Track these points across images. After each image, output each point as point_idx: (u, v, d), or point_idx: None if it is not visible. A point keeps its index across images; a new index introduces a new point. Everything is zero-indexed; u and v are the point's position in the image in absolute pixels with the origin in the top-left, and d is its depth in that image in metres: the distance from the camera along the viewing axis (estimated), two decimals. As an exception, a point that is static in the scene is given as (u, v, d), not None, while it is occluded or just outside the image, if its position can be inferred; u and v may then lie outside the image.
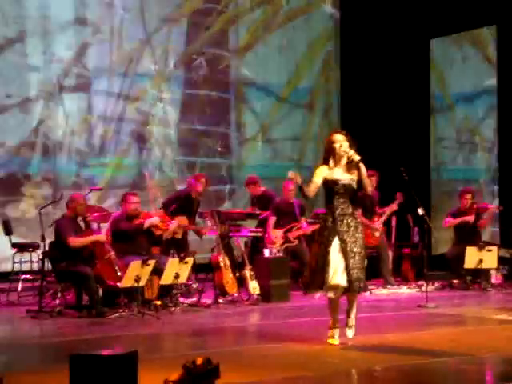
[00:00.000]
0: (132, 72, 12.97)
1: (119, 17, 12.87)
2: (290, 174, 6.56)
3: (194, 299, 9.40)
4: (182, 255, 9.12)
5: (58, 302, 8.70)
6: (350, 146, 6.69)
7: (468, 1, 12.93)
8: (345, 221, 6.64)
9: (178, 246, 9.97)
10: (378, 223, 10.99)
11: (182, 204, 10.20)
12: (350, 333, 6.78)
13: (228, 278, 9.53)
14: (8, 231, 10.40)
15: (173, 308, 8.73)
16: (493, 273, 10.80)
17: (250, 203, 11.77)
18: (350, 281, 6.55)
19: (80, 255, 8.60)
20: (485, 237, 11.70)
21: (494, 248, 10.67)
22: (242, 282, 9.69)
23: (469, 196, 11.14)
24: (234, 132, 13.95)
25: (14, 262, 10.12)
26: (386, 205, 11.15)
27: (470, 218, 10.97)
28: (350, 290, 6.62)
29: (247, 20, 14.01)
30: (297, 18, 14.39)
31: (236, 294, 9.56)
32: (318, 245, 6.69)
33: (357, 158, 6.64)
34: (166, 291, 8.93)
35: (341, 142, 6.67)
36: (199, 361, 4.90)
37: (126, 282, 8.27)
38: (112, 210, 10.30)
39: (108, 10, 12.80)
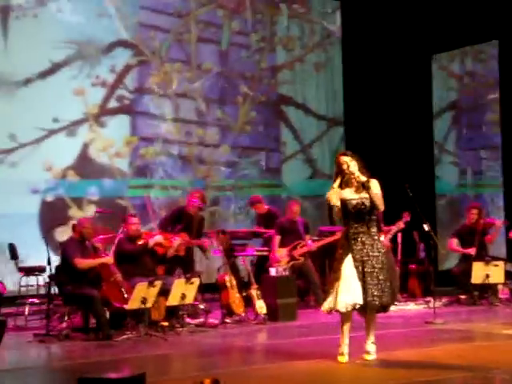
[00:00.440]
0: (173, 93, 13.19)
1: (160, 38, 13.13)
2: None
3: (201, 320, 9.38)
4: (188, 276, 9.11)
5: (65, 325, 8.68)
6: (359, 165, 6.75)
7: (470, 16, 12.98)
8: (359, 239, 6.68)
9: (184, 264, 9.95)
10: (385, 240, 10.96)
11: (179, 222, 10.14)
12: (370, 348, 6.74)
13: (234, 297, 9.51)
14: (14, 255, 10.41)
15: (180, 329, 8.71)
16: (500, 287, 10.77)
17: (255, 222, 11.78)
18: (365, 299, 6.56)
19: (86, 278, 8.60)
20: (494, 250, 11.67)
21: (501, 263, 10.66)
22: (248, 302, 9.66)
23: (475, 211, 11.13)
24: (274, 151, 14.16)
25: (21, 286, 10.12)
26: (390, 222, 11.13)
27: (472, 251, 10.94)
28: (367, 309, 6.62)
29: (285, 38, 14.28)
30: (333, 36, 14.69)
31: (243, 314, 9.53)
32: (334, 262, 6.78)
33: (363, 179, 6.69)
34: (172, 312, 8.91)
35: (347, 162, 6.72)
36: (207, 382, 4.90)
37: (133, 303, 8.26)
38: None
39: (148, 32, 13.05)
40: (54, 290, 9.02)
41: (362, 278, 6.58)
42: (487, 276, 10.41)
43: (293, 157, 14.24)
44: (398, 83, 13.67)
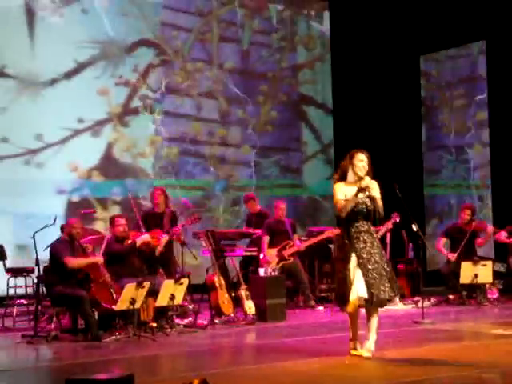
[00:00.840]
0: (195, 92, 13.26)
1: (182, 38, 13.23)
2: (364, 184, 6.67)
3: (190, 320, 9.37)
4: (178, 276, 9.10)
5: (53, 326, 8.64)
6: (369, 169, 6.81)
7: (457, 17, 13.03)
8: (361, 238, 6.73)
9: (164, 264, 9.83)
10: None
11: (149, 221, 10.04)
12: (372, 347, 6.78)
13: (224, 298, 9.51)
14: (1, 256, 10.36)
15: (169, 330, 8.70)
16: (488, 287, 10.80)
17: (246, 220, 11.78)
18: (370, 294, 6.62)
19: (75, 278, 8.57)
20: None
21: (489, 263, 10.69)
22: (237, 302, 9.67)
23: (469, 212, 11.15)
24: (295, 150, 14.25)
25: (9, 287, 10.09)
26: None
27: (452, 257, 10.96)
28: (371, 305, 6.69)
29: (305, 38, 14.37)
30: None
31: (232, 314, 9.53)
32: (339, 262, 6.80)
33: (363, 183, 6.71)
34: (161, 313, 8.89)
35: (365, 160, 6.78)
36: (196, 382, 4.89)
37: (122, 304, 8.25)
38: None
39: (171, 31, 13.14)
40: (43, 290, 8.98)
41: (366, 274, 6.64)
42: (475, 276, 10.45)
43: (313, 157, 14.30)
44: (388, 83, 13.70)
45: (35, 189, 11.71)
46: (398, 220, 10.89)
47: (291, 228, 10.88)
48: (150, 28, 13.00)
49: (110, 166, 12.51)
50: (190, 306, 9.81)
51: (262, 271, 9.89)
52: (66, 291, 8.45)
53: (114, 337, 8.25)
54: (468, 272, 10.47)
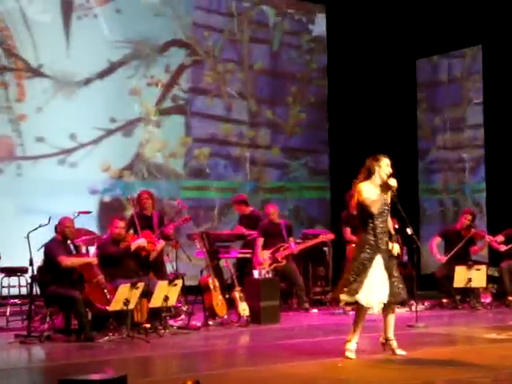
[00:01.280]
0: (225, 93, 13.35)
1: (213, 38, 13.30)
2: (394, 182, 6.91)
3: (184, 321, 9.36)
4: (171, 278, 9.09)
5: (46, 326, 8.62)
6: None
7: (454, 21, 13.06)
8: (384, 239, 6.91)
9: (155, 267, 9.79)
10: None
11: (139, 224, 10.02)
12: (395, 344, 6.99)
13: (217, 299, 9.50)
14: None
15: (162, 331, 8.69)
16: (481, 292, 10.81)
17: (238, 222, 11.76)
18: (391, 294, 6.84)
19: (69, 279, 8.56)
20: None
21: (483, 267, 10.70)
22: (231, 304, 9.66)
23: (469, 217, 11.14)
24: (323, 153, 14.28)
25: (3, 287, 10.07)
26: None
27: (442, 259, 10.98)
28: (392, 302, 6.90)
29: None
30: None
31: (226, 316, 9.52)
32: (360, 260, 6.86)
33: (393, 183, 6.94)
34: (155, 314, 8.88)
35: (389, 165, 7.01)
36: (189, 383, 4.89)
37: (115, 305, 8.24)
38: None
39: (202, 31, 13.23)
40: (36, 290, 8.96)
41: (390, 276, 6.86)
42: (469, 280, 10.46)
43: None
44: (383, 88, 13.71)
45: (69, 189, 11.78)
46: (397, 227, 10.91)
47: (287, 230, 10.87)
48: (181, 28, 13.10)
49: (141, 167, 12.59)
50: (184, 308, 9.81)
51: (256, 273, 9.88)
52: (60, 291, 8.44)
53: (107, 337, 8.24)
54: (462, 276, 10.48)
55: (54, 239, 8.79)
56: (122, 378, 5.15)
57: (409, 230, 9.36)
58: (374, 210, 6.85)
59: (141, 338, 8.26)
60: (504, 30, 12.55)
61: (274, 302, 9.67)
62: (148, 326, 8.69)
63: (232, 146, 13.43)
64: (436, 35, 13.44)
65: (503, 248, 11.01)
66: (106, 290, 8.47)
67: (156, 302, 8.65)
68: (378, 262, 6.84)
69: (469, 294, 10.75)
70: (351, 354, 6.84)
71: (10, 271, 10.12)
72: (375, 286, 6.81)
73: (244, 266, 10.96)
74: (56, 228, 8.88)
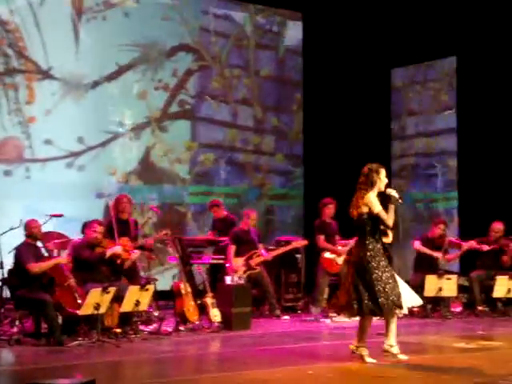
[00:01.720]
0: (231, 99, 13.38)
1: (220, 44, 13.33)
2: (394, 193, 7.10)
3: (155, 327, 9.33)
4: (143, 282, 9.06)
5: (16, 329, 8.55)
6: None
7: (429, 32, 13.17)
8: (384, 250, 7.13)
9: (128, 273, 9.73)
10: (342, 248, 10.96)
11: (117, 228, 9.98)
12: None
13: (189, 305, 9.48)
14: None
15: (133, 336, 8.66)
16: (452, 301, 10.88)
17: (211, 226, 11.76)
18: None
19: (39, 282, 8.50)
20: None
21: (454, 276, 10.78)
22: (203, 310, 9.64)
23: (442, 226, 11.22)
24: None
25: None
26: (345, 233, 11.16)
27: (439, 255, 11.04)
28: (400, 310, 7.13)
29: None
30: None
31: (197, 322, 9.51)
32: (381, 268, 6.99)
33: (395, 194, 7.13)
34: (126, 319, 8.85)
35: (385, 178, 7.16)
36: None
37: (86, 309, 8.19)
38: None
39: (209, 36, 13.25)
40: (6, 293, 8.89)
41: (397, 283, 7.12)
42: (440, 289, 10.53)
43: None
44: (358, 96, 13.78)
45: (75, 192, 11.78)
46: None
47: (257, 237, 10.91)
48: (189, 33, 13.12)
49: (147, 171, 12.61)
50: (156, 313, 9.78)
51: (228, 279, 9.88)
52: (30, 295, 8.38)
53: (77, 342, 8.19)
54: (432, 285, 10.54)
55: (24, 243, 8.71)
56: (90, 383, 5.13)
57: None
58: (390, 222, 6.99)
59: (111, 343, 8.22)
60: (477, 41, 12.68)
61: (246, 309, 9.68)
62: (119, 330, 8.65)
63: (237, 152, 13.48)
64: (411, 45, 13.54)
65: (486, 248, 11.10)
66: (76, 294, 8.43)
67: (127, 306, 8.61)
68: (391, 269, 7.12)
69: (439, 303, 10.82)
70: (404, 357, 7.14)
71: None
72: (404, 289, 7.16)
73: (217, 272, 10.96)
74: (25, 232, 8.78)
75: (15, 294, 8.61)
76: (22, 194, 11.49)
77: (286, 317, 10.72)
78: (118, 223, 9.68)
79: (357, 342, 7.11)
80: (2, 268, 8.74)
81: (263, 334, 9.20)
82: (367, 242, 7.02)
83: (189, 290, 9.61)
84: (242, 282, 9.96)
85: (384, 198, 7.14)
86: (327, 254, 10.86)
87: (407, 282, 11.25)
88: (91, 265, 8.92)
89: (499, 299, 10.82)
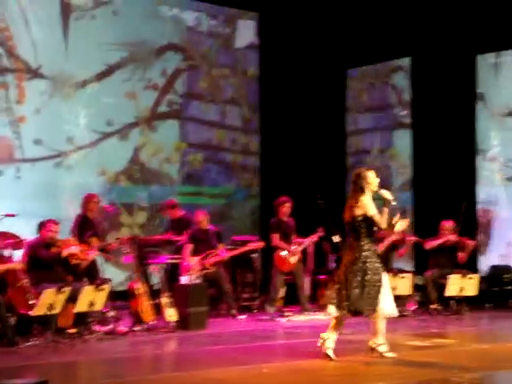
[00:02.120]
0: (220, 99, 13.28)
1: (208, 43, 13.21)
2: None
3: (110, 327, 9.25)
4: (98, 282, 8.99)
5: (-32, 330, 8.43)
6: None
7: (384, 33, 13.26)
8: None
9: (88, 273, 9.69)
10: (296, 248, 11.01)
11: (86, 229, 9.93)
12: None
13: (144, 305, 9.42)
14: None
15: (88, 336, 8.59)
16: (407, 299, 10.97)
17: (167, 227, 11.70)
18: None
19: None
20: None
21: (409, 275, 10.88)
22: (159, 310, 9.59)
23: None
24: None
25: None
26: (302, 232, 11.22)
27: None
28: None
29: None
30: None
31: (152, 322, 9.46)
32: (374, 270, 7.11)
33: (388, 195, 7.17)
34: (80, 319, 8.77)
35: (375, 176, 7.19)
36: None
37: (39, 310, 8.10)
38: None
39: (198, 36, 13.11)
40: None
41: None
42: (394, 288, 10.59)
43: None
44: (313, 97, 13.82)
45: (65, 192, 11.63)
46: (322, 235, 11.02)
47: (216, 237, 10.88)
48: (178, 32, 13.00)
49: (136, 171, 12.47)
50: (111, 313, 9.70)
51: (184, 279, 9.85)
52: (-18, 295, 8.26)
53: (30, 342, 8.10)
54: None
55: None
56: (43, 384, 5.07)
57: (334, 238, 9.52)
58: (384, 224, 7.05)
59: (65, 343, 8.14)
60: (434, 43, 12.79)
61: (203, 308, 9.66)
62: (73, 331, 8.57)
63: (225, 152, 13.41)
64: (366, 46, 13.62)
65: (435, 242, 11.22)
66: (29, 295, 8.32)
67: (81, 306, 8.53)
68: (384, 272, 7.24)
69: (394, 301, 10.88)
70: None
71: None
72: (386, 296, 7.30)
73: (173, 272, 10.91)
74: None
75: (-33, 294, 8.48)
76: (13, 195, 11.27)
77: (243, 316, 10.72)
78: (86, 222, 9.66)
79: (375, 339, 7.30)
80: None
81: (219, 334, 9.19)
82: (362, 243, 7.11)
83: (144, 289, 9.55)
84: (198, 281, 9.93)
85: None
86: (281, 253, 10.90)
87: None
88: (47, 264, 8.83)
89: (452, 297, 10.95)
